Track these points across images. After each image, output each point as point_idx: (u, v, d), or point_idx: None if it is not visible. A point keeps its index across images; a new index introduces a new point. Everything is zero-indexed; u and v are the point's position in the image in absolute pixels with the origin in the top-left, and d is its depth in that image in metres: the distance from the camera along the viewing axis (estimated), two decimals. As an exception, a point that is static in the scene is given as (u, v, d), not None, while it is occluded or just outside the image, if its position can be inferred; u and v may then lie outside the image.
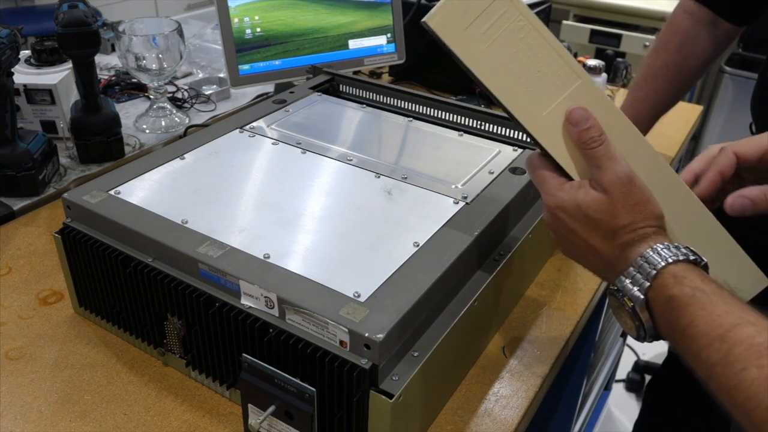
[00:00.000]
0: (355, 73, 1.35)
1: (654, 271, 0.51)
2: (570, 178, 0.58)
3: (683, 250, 0.52)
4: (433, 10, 0.54)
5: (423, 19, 0.54)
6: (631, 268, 0.53)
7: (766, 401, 0.43)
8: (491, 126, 0.95)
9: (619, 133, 0.56)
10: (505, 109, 0.57)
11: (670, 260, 0.51)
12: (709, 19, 1.05)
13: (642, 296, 0.52)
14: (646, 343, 0.56)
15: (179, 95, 1.36)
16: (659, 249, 0.52)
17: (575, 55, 1.62)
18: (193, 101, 1.36)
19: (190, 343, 0.69)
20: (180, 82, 1.40)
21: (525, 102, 0.56)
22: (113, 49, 1.52)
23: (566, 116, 0.56)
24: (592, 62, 1.32)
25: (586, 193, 0.55)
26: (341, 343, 0.58)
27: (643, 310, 0.52)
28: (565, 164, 0.57)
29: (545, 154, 0.59)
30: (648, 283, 0.51)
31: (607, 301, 0.61)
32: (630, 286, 0.53)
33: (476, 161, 0.84)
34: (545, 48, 0.56)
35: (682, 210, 0.58)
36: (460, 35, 0.54)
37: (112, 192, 0.75)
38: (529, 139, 0.59)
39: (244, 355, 0.61)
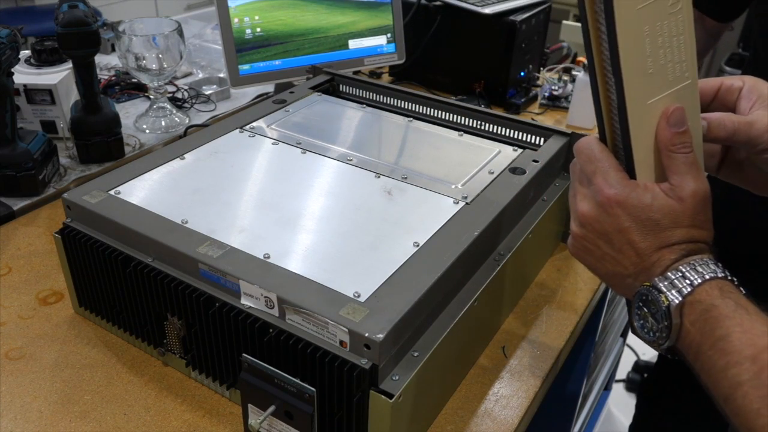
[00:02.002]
0: (355, 73, 1.35)
1: (700, 280, 0.50)
2: (630, 175, 0.55)
3: (729, 273, 0.51)
4: None
5: None
6: (670, 273, 0.51)
7: None
8: (491, 126, 0.95)
9: (695, 145, 0.54)
10: (615, 81, 0.52)
11: (719, 275, 0.50)
12: (696, 17, 1.07)
13: (681, 298, 0.50)
14: (645, 345, 0.55)
15: (179, 95, 1.36)
16: (708, 262, 0.51)
17: (575, 55, 1.62)
18: (193, 101, 1.36)
19: (190, 343, 0.69)
20: (180, 82, 1.40)
21: (641, 81, 0.52)
22: (113, 49, 1.52)
23: (665, 113, 0.53)
24: (592, 62, 1.32)
25: (656, 196, 0.52)
26: (341, 343, 0.58)
27: (677, 314, 0.50)
28: (639, 158, 0.54)
29: (604, 141, 0.56)
30: (689, 289, 0.50)
31: (606, 312, 0.60)
32: (666, 287, 0.51)
33: (476, 161, 0.84)
34: (683, 34, 0.52)
35: None
36: None
37: (112, 192, 0.75)
38: (599, 119, 0.56)
39: (244, 355, 0.61)
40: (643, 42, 0.51)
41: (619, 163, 0.55)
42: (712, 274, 0.50)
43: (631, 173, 0.55)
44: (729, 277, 0.50)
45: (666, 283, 0.51)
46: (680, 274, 0.51)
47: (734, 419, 0.46)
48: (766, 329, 0.46)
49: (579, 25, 2.67)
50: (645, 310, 0.53)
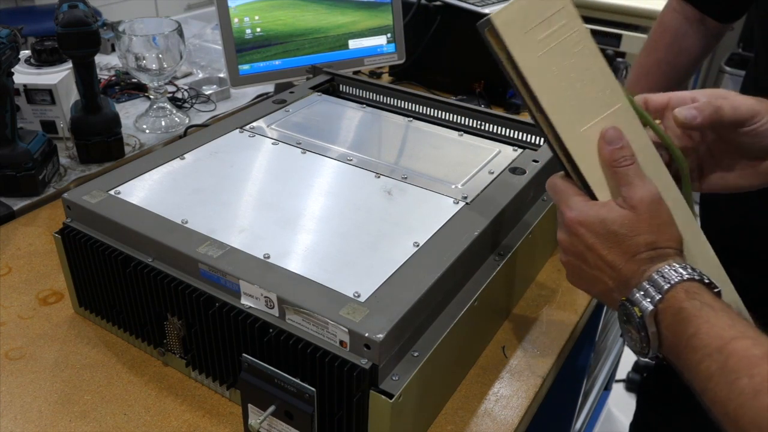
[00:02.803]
0: (355, 73, 1.35)
1: (668, 285, 0.52)
2: (592, 198, 0.59)
3: (699, 272, 0.53)
4: (499, 11, 0.56)
5: (487, 17, 0.56)
6: (645, 283, 0.53)
7: (753, 411, 0.44)
8: (491, 126, 0.95)
9: (646, 160, 0.58)
10: (544, 119, 0.58)
11: (685, 277, 0.52)
12: (697, 17, 1.07)
13: (652, 307, 0.52)
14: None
15: (179, 95, 1.36)
16: (676, 267, 0.53)
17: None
18: (193, 101, 1.36)
19: (190, 343, 0.69)
20: (180, 82, 1.40)
21: (567, 114, 0.57)
22: (113, 49, 1.52)
23: (601, 134, 0.57)
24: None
25: (611, 209, 0.56)
26: (341, 343, 0.58)
27: (651, 322, 0.52)
28: (593, 181, 0.58)
29: (568, 175, 0.60)
30: (659, 296, 0.52)
31: (606, 312, 0.62)
32: (641, 298, 0.53)
33: (476, 161, 0.84)
34: (594, 67, 0.57)
35: (697, 251, 0.60)
36: (520, 37, 0.56)
37: (112, 192, 0.75)
38: (554, 154, 0.61)
39: (244, 355, 0.61)
40: (555, 81, 0.56)
41: (580, 189, 0.59)
42: (678, 278, 0.52)
43: (591, 196, 0.59)
44: (697, 278, 0.52)
45: (640, 293, 0.53)
46: (650, 283, 0.53)
47: (712, 409, 0.48)
48: (731, 321, 0.49)
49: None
50: (627, 323, 0.55)
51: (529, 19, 0.56)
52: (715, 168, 0.64)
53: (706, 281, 0.53)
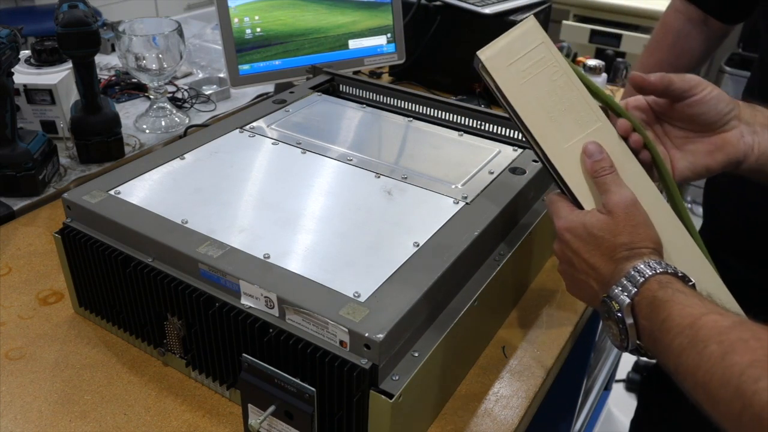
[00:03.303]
0: (355, 73, 1.35)
1: (642, 279, 0.55)
2: (579, 209, 0.63)
3: (673, 268, 0.56)
4: (485, 48, 0.63)
5: (476, 53, 0.63)
6: (623, 279, 0.56)
7: (721, 371, 0.45)
8: (491, 126, 0.95)
9: (629, 171, 0.63)
10: (532, 138, 0.64)
11: (658, 270, 0.55)
12: (700, 18, 1.07)
13: (628, 300, 0.55)
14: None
15: (179, 95, 1.36)
16: (650, 263, 0.56)
17: (575, 55, 1.62)
18: (193, 101, 1.36)
19: (190, 343, 0.69)
20: (180, 82, 1.40)
21: (550, 133, 0.63)
22: (113, 49, 1.52)
23: (582, 149, 0.63)
24: (592, 62, 1.32)
25: (593, 215, 0.61)
26: (341, 343, 0.58)
27: (629, 314, 0.55)
28: (578, 191, 0.63)
29: (562, 191, 0.65)
30: (635, 290, 0.55)
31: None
32: (619, 293, 0.56)
33: (476, 161, 0.84)
34: (573, 92, 0.64)
35: (681, 250, 0.63)
36: (504, 70, 0.63)
37: (112, 192, 0.75)
38: (546, 170, 0.66)
39: (244, 355, 0.61)
40: (538, 105, 0.63)
41: (570, 202, 0.64)
42: (652, 272, 0.55)
43: (579, 207, 0.63)
44: (670, 271, 0.55)
45: (618, 289, 0.56)
46: (627, 279, 0.56)
47: (684, 383, 0.49)
48: (701, 302, 0.51)
49: (580, 25, 2.68)
50: (608, 318, 0.57)
51: (512, 54, 0.63)
52: (680, 156, 0.67)
53: (680, 275, 0.55)
